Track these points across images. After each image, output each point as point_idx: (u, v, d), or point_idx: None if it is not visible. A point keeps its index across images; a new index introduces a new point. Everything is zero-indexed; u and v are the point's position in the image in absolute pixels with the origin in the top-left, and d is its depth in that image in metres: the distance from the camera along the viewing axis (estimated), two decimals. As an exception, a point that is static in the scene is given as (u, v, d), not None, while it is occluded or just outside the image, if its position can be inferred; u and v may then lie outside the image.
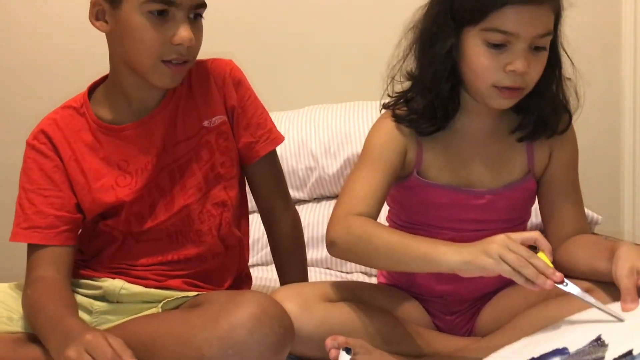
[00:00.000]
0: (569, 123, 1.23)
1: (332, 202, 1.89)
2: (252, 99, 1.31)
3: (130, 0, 1.15)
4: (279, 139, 1.34)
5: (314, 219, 1.84)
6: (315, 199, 1.92)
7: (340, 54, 2.11)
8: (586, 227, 1.24)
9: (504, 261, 0.96)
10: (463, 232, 1.21)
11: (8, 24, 2.05)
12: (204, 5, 1.20)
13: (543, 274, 0.95)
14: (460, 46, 1.14)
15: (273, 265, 1.46)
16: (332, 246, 1.13)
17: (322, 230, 1.82)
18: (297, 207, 1.87)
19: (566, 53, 1.20)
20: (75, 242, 1.26)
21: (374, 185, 1.16)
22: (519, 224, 1.29)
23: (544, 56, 1.13)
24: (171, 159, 1.26)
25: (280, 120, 1.93)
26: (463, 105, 1.20)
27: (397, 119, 1.20)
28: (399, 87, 1.24)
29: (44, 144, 1.25)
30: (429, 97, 1.17)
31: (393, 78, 1.23)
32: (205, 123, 1.27)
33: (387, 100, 1.25)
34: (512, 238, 0.98)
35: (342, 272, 1.79)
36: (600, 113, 2.12)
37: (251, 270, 1.48)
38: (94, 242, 1.29)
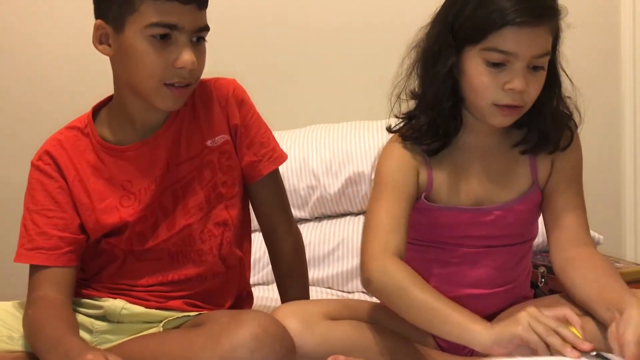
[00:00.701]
0: (571, 140, 1.24)
1: (333, 221, 1.90)
2: (255, 118, 1.32)
3: (133, 24, 1.15)
4: (282, 157, 1.34)
5: (315, 238, 1.85)
6: (316, 217, 1.93)
7: (342, 74, 2.12)
8: (587, 235, 1.23)
9: (533, 329, 0.98)
10: (473, 247, 1.23)
11: (13, 45, 2.07)
12: (206, 29, 1.20)
13: (571, 343, 0.96)
14: (460, 65, 1.15)
15: (274, 284, 1.46)
16: (368, 284, 1.13)
17: (323, 249, 1.83)
18: (298, 225, 1.88)
19: (565, 72, 1.22)
20: (78, 262, 1.26)
21: (398, 214, 1.17)
22: (528, 240, 1.29)
23: (542, 75, 1.15)
24: (174, 179, 1.26)
25: (282, 139, 1.93)
26: (465, 122, 1.22)
27: (404, 138, 1.22)
28: (402, 106, 1.26)
29: (49, 164, 1.25)
30: (431, 114, 1.19)
31: (398, 96, 1.24)
32: (209, 142, 1.27)
33: (392, 122, 1.26)
34: (543, 312, 1.01)
35: (343, 291, 1.79)
36: (600, 131, 2.13)
37: (252, 289, 1.47)
38: (96, 261, 1.29)
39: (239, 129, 1.30)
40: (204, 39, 1.21)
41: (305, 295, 1.38)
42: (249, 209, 1.38)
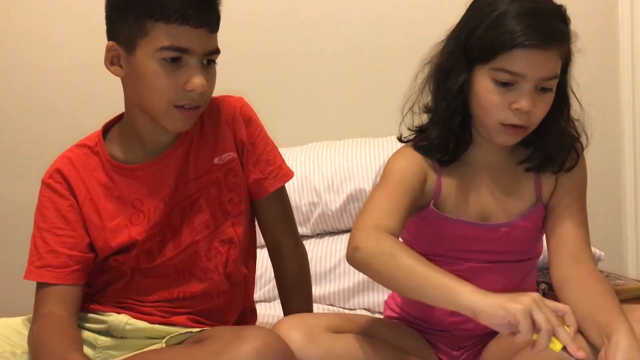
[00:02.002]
0: (577, 161, 1.25)
1: (335, 238, 1.90)
2: (262, 136, 1.32)
3: (145, 47, 1.16)
4: (288, 175, 1.34)
5: (317, 255, 1.85)
6: (318, 234, 1.93)
7: (344, 92, 2.14)
8: (587, 253, 1.21)
9: (531, 316, 0.94)
10: (477, 262, 1.24)
11: (22, 62, 2.08)
12: (217, 52, 1.21)
13: (566, 346, 0.94)
14: (471, 82, 1.18)
15: (277, 301, 1.46)
16: (355, 251, 1.09)
17: (325, 265, 1.83)
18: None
19: (574, 95, 1.23)
20: (85, 280, 1.26)
21: (397, 202, 1.15)
22: (532, 257, 1.29)
23: (549, 97, 1.16)
24: (182, 197, 1.26)
25: (284, 156, 1.91)
26: (475, 138, 1.24)
27: (416, 148, 1.24)
28: (414, 120, 1.28)
29: (59, 182, 1.26)
30: (441, 129, 1.21)
31: (410, 109, 1.26)
32: (216, 160, 1.28)
33: (404, 133, 1.29)
34: (546, 303, 0.98)
35: (345, 308, 1.79)
36: (601, 148, 2.14)
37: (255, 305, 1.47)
38: (103, 277, 1.29)
39: (246, 147, 1.30)
40: (214, 62, 1.22)
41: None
42: (254, 227, 1.38)
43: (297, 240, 1.39)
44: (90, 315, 1.28)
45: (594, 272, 1.19)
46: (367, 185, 1.86)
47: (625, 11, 2.18)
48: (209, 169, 1.27)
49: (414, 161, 1.22)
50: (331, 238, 1.90)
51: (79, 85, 2.08)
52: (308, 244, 1.87)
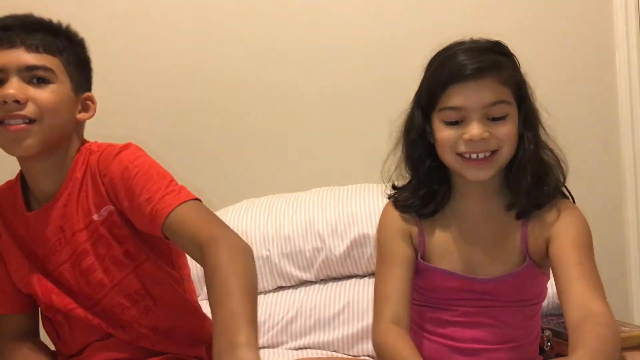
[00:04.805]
0: (550, 195, 1.24)
1: (339, 284, 1.89)
2: (138, 178, 1.19)
3: None
4: (173, 203, 1.14)
5: (321, 301, 1.84)
6: (322, 280, 1.92)
7: (348, 138, 2.16)
8: (594, 302, 1.11)
9: None
10: (472, 307, 1.24)
11: None
12: (40, 68, 1.21)
13: None
14: (432, 132, 1.24)
15: (284, 346, 1.44)
16: (375, 347, 1.23)
17: (329, 312, 1.82)
18: (303, 288, 1.88)
19: (539, 123, 1.25)
20: (30, 308, 1.32)
21: (397, 284, 1.24)
22: (535, 304, 1.29)
23: (505, 124, 1.19)
24: (71, 252, 1.25)
25: (288, 201, 1.96)
26: (456, 188, 1.27)
27: (395, 206, 1.30)
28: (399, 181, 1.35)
29: None
30: (413, 182, 1.28)
31: (391, 177, 1.33)
32: (95, 217, 1.24)
33: (388, 191, 1.35)
34: None
35: (349, 355, 1.77)
36: (602, 192, 2.14)
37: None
38: (64, 336, 1.32)
39: (122, 196, 1.20)
40: (46, 81, 1.21)
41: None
42: (172, 260, 1.32)
43: (223, 230, 1.12)
44: None
45: (597, 325, 1.09)
46: (371, 231, 1.86)
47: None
48: (89, 224, 1.25)
49: (396, 223, 1.29)
50: (335, 284, 1.90)
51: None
52: (312, 290, 1.87)
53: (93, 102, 1.30)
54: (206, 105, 2.14)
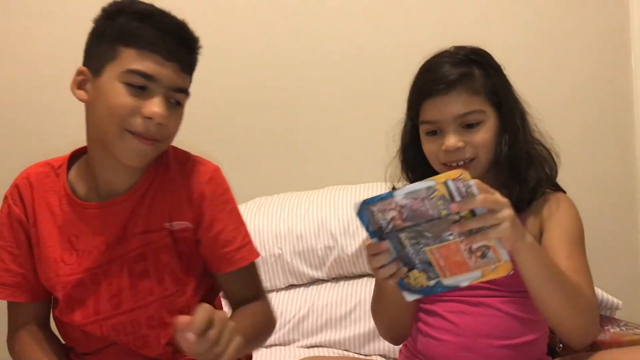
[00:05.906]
0: (537, 189, 1.27)
1: (351, 282, 1.89)
2: (224, 213, 1.24)
3: (112, 70, 1.14)
4: (246, 259, 1.25)
5: (332, 299, 1.84)
6: (333, 278, 1.93)
7: (361, 137, 2.15)
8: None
9: None
10: (475, 297, 1.26)
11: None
12: (185, 92, 1.19)
13: None
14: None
15: (295, 344, 1.44)
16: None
17: (341, 310, 1.82)
18: (315, 286, 1.89)
19: (524, 124, 1.29)
20: (43, 298, 1.28)
21: None
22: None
23: (479, 131, 1.25)
24: (123, 251, 1.21)
25: (301, 200, 1.96)
26: None
27: None
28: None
29: (15, 200, 1.25)
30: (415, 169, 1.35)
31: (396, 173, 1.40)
32: (167, 224, 1.22)
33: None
34: None
35: (360, 354, 1.77)
36: (616, 195, 2.13)
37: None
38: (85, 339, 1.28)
39: (204, 223, 1.23)
40: (180, 104, 1.19)
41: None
42: (215, 295, 1.34)
43: (265, 302, 1.30)
44: None
45: None
46: (383, 230, 1.86)
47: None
48: (157, 230, 1.22)
49: None
50: (347, 282, 1.90)
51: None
52: (323, 288, 1.87)
53: None
54: (218, 103, 2.14)
